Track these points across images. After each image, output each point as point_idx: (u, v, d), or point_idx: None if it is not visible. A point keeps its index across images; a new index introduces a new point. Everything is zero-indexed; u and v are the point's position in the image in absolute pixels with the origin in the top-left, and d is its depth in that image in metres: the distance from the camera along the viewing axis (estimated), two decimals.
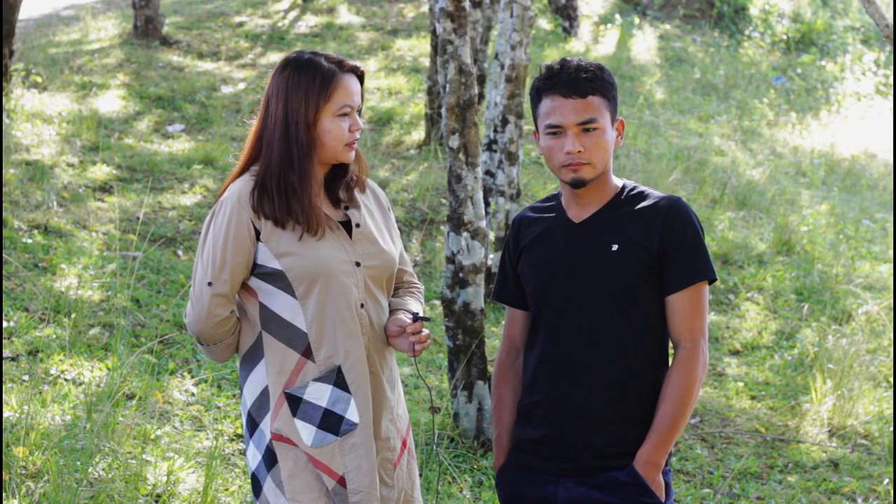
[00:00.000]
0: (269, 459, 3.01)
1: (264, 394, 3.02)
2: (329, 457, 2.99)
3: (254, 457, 3.05)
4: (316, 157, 3.02)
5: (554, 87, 2.96)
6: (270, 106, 3.02)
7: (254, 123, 3.10)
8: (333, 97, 2.99)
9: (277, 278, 2.99)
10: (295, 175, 2.98)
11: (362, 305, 3.04)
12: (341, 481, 2.99)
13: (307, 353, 3.00)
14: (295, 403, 3.00)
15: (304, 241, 2.99)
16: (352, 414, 3.00)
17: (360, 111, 3.10)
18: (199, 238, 3.05)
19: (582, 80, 2.94)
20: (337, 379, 3.00)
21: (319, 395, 3.00)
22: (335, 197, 3.10)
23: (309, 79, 2.99)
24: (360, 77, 3.08)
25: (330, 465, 2.99)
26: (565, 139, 2.95)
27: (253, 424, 3.05)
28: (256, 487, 3.05)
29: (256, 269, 3.00)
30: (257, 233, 2.98)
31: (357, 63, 3.07)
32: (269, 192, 2.98)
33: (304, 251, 2.98)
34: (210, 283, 2.99)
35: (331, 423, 3.00)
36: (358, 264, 3.04)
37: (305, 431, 2.99)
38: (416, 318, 3.08)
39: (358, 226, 3.08)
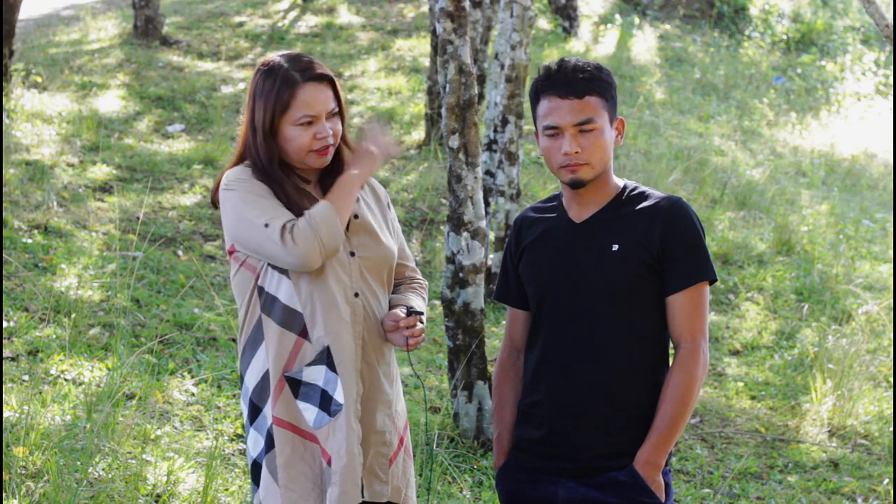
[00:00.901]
0: (269, 443, 3.03)
1: (265, 378, 3.04)
2: (325, 437, 3.02)
3: (255, 442, 3.07)
4: (280, 162, 3.06)
5: (551, 88, 2.97)
6: (246, 109, 3.11)
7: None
8: (291, 107, 3.02)
9: None
10: (266, 177, 3.05)
11: (356, 295, 3.06)
12: (329, 461, 3.02)
13: (304, 334, 3.02)
14: (295, 386, 3.02)
15: None
16: (338, 395, 3.03)
17: (342, 113, 3.10)
18: (226, 215, 3.03)
19: (579, 81, 2.94)
20: (328, 359, 3.03)
21: (316, 375, 3.03)
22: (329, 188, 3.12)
23: (269, 87, 3.03)
24: (331, 83, 3.08)
25: (325, 446, 3.02)
26: (563, 140, 2.95)
27: (255, 410, 3.06)
28: (256, 475, 3.06)
29: None
30: None
31: (324, 70, 3.07)
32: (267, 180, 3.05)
33: None
34: (266, 225, 2.95)
35: (326, 402, 3.03)
36: (352, 254, 3.07)
37: (308, 412, 3.02)
38: (409, 312, 3.09)
39: (356, 217, 3.10)
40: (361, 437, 3.05)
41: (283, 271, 3.01)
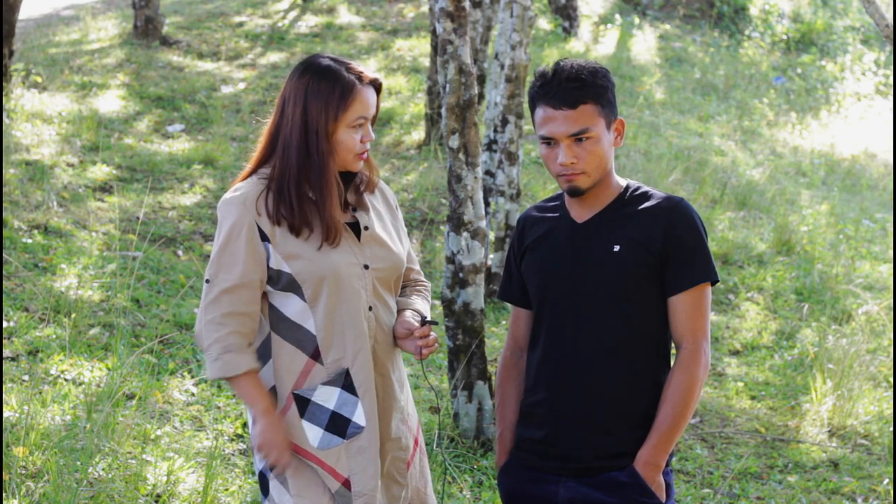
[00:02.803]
0: None
1: (272, 393, 3.02)
2: (335, 459, 3.00)
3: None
4: (334, 166, 3.01)
5: (545, 98, 2.95)
6: (287, 109, 3.01)
7: (267, 124, 3.09)
8: (351, 109, 2.99)
9: (286, 281, 2.98)
10: (314, 183, 2.98)
11: (370, 308, 3.04)
12: (346, 483, 3.00)
13: (315, 356, 3.00)
14: (303, 405, 3.00)
15: (311, 244, 2.98)
16: (359, 417, 3.01)
17: (374, 121, 3.11)
18: (215, 242, 3.05)
19: (572, 91, 2.92)
20: (345, 382, 3.01)
21: (327, 397, 3.00)
22: (343, 200, 3.10)
23: (329, 88, 2.98)
24: (378, 88, 3.09)
25: (335, 468, 3.00)
26: (558, 150, 2.95)
27: None
28: (264, 485, 3.06)
29: (268, 272, 2.99)
30: (262, 234, 2.97)
31: (376, 75, 3.08)
32: (287, 198, 2.97)
33: (312, 254, 2.98)
34: (208, 281, 2.99)
35: (338, 425, 3.00)
36: (366, 267, 3.04)
37: (312, 433, 3.00)
38: (423, 321, 3.08)
39: (366, 228, 3.08)
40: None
41: (295, 290, 2.98)
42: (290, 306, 2.99)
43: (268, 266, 2.98)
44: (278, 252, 2.97)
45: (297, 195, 2.97)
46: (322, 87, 2.98)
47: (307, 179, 2.98)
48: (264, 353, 3.03)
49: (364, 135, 3.03)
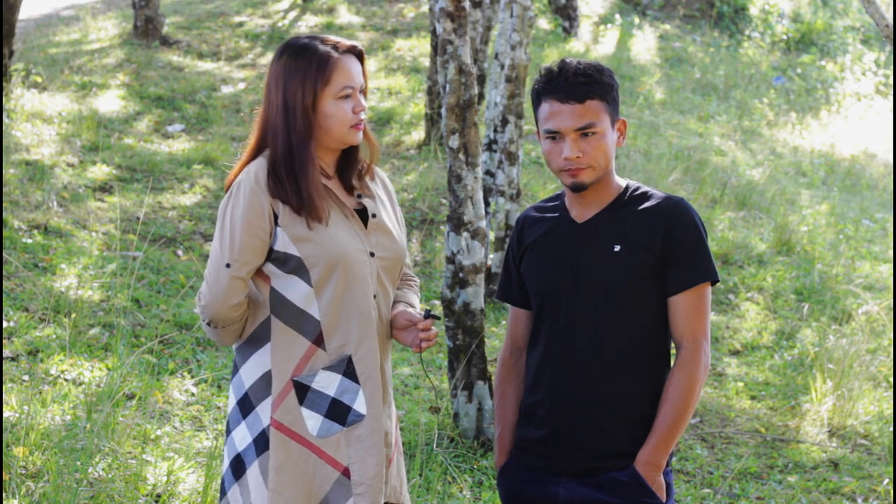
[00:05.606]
0: (262, 444, 2.96)
1: (266, 377, 2.97)
2: (334, 447, 2.95)
3: (243, 438, 2.99)
4: (314, 143, 2.98)
5: (552, 92, 2.96)
6: (271, 94, 3.00)
7: (259, 112, 3.08)
8: (332, 80, 2.96)
9: (293, 264, 2.94)
10: (297, 163, 2.95)
11: (374, 296, 3.02)
12: (346, 472, 2.95)
13: (318, 341, 2.96)
14: (302, 391, 2.95)
15: (315, 228, 2.95)
16: (359, 405, 2.97)
17: (364, 91, 3.06)
18: (217, 219, 2.99)
19: (580, 85, 2.93)
20: (347, 369, 2.97)
21: (328, 383, 2.96)
22: (348, 184, 3.07)
23: (305, 64, 2.96)
24: (360, 57, 3.05)
25: (335, 456, 2.95)
26: (563, 144, 2.95)
27: (248, 406, 2.99)
28: (239, 469, 2.99)
29: (272, 255, 2.95)
30: (275, 216, 2.94)
31: (354, 43, 3.04)
32: (281, 179, 2.95)
33: (320, 238, 2.94)
34: (228, 265, 2.92)
35: (338, 412, 2.96)
36: (372, 255, 3.02)
37: (311, 421, 2.95)
38: (427, 314, 3.07)
39: (374, 216, 3.06)
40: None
41: (301, 274, 2.94)
42: (294, 290, 2.95)
43: (273, 248, 2.95)
44: (288, 234, 2.93)
45: (287, 176, 2.95)
46: (298, 64, 2.96)
47: (291, 159, 2.95)
48: (262, 336, 2.98)
49: (356, 105, 2.99)
